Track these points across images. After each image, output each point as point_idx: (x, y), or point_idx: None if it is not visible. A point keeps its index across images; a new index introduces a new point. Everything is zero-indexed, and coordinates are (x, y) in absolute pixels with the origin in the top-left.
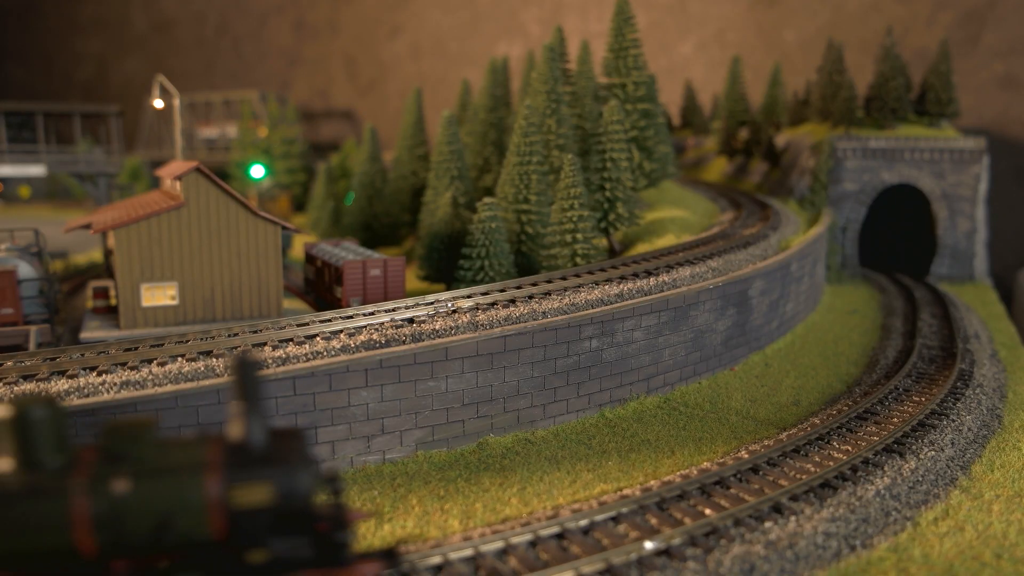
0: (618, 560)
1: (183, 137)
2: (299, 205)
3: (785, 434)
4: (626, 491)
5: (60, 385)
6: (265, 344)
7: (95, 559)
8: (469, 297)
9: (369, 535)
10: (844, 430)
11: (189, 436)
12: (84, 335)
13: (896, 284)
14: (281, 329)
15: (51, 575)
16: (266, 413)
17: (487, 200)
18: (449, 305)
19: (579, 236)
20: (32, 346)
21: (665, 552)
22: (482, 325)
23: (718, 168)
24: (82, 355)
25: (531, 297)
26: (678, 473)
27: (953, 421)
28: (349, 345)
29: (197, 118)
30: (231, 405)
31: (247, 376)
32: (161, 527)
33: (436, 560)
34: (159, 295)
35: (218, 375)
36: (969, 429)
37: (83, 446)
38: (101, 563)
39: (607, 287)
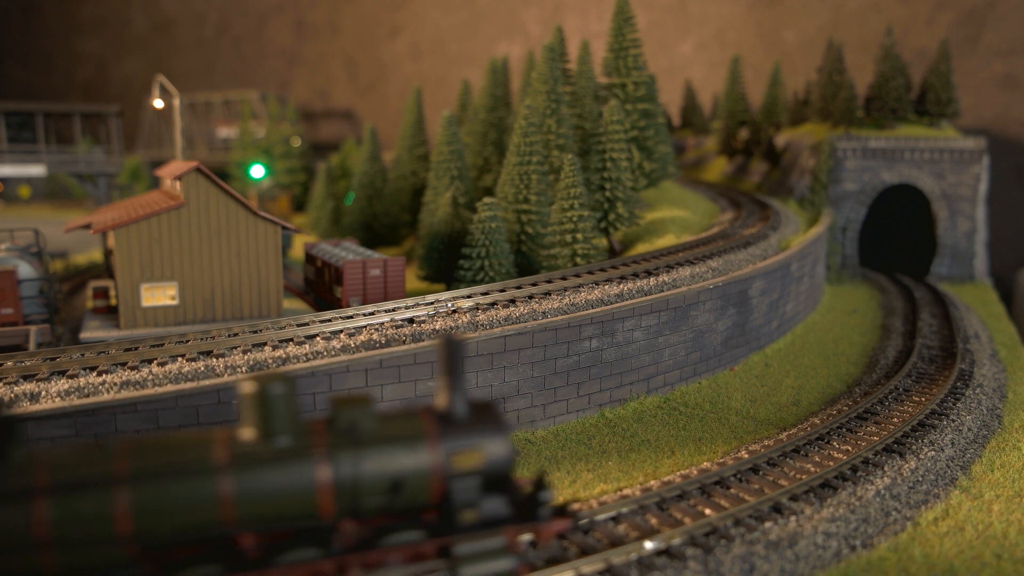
0: (618, 560)
1: (183, 137)
2: (299, 205)
3: (785, 434)
4: (626, 491)
5: (60, 385)
6: (265, 344)
7: (331, 521)
8: (469, 297)
9: None
10: (844, 430)
11: (401, 409)
12: (84, 335)
13: (896, 284)
14: (281, 329)
15: (291, 535)
16: (466, 387)
17: (487, 200)
18: (449, 305)
19: (579, 236)
20: (32, 346)
21: (665, 552)
22: (482, 325)
23: (718, 168)
24: (82, 355)
25: (531, 297)
26: (678, 473)
27: (953, 421)
28: (349, 345)
29: (217, 117)
30: (438, 379)
31: (453, 353)
32: (392, 491)
33: None
34: (159, 295)
35: (218, 375)
36: (969, 429)
37: (312, 420)
38: (334, 524)
39: (607, 287)
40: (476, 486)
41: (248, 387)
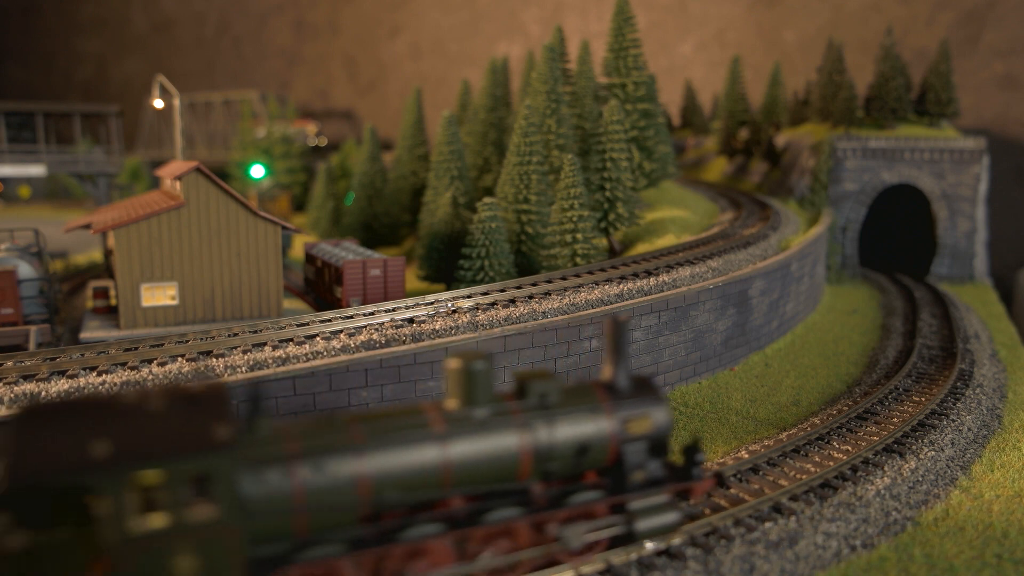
0: (618, 560)
1: (183, 137)
2: (299, 205)
3: (785, 434)
4: None
5: (60, 385)
6: (265, 344)
7: (526, 483)
8: (469, 297)
9: None
10: (844, 430)
11: (574, 382)
12: (84, 335)
13: (896, 284)
14: (281, 329)
15: (491, 496)
16: (629, 362)
17: (487, 200)
18: (449, 305)
19: (579, 236)
20: (32, 346)
21: (665, 552)
22: (482, 325)
23: (718, 168)
24: (82, 355)
25: (531, 297)
26: None
27: (953, 421)
28: (349, 345)
29: (249, 116)
30: (605, 356)
31: (618, 332)
32: (578, 455)
33: None
34: (159, 295)
35: (218, 375)
36: (969, 429)
37: (501, 393)
38: (527, 485)
39: (607, 287)
40: (643, 449)
41: (454, 363)
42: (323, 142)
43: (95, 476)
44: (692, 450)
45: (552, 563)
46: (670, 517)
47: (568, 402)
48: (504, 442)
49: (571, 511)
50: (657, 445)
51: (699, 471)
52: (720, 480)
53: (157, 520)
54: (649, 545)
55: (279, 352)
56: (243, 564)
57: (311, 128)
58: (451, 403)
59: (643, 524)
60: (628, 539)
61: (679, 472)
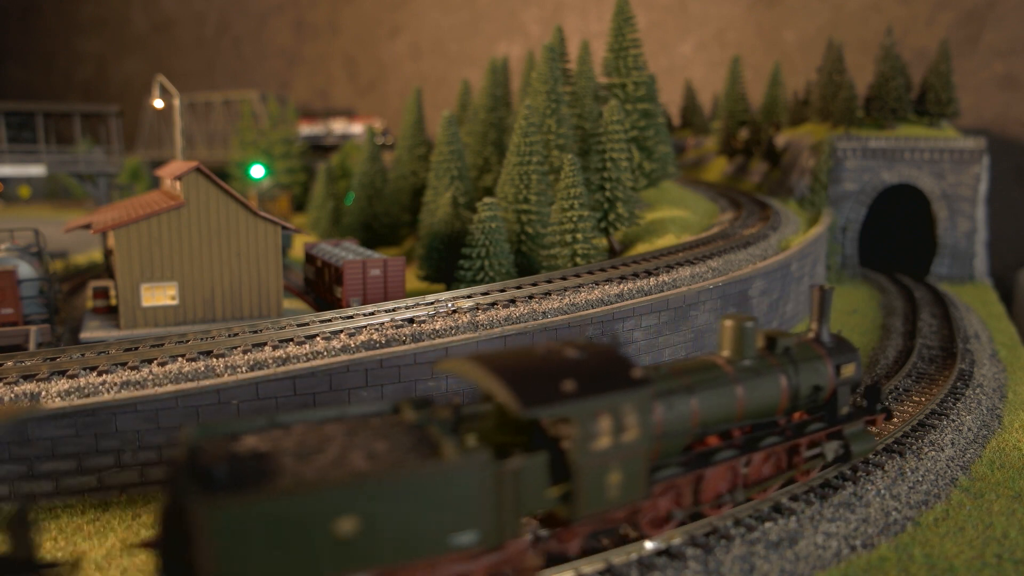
0: (618, 560)
1: (183, 137)
2: (299, 205)
3: None
4: None
5: (60, 385)
6: (265, 344)
7: (780, 416)
8: (469, 297)
9: None
10: None
11: (793, 339)
12: (84, 335)
13: (896, 284)
14: (281, 329)
15: (756, 428)
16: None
17: (487, 200)
18: (449, 305)
19: (579, 236)
20: (32, 346)
21: (665, 552)
22: (482, 325)
23: (718, 168)
24: (82, 355)
25: (531, 297)
26: None
27: (953, 421)
28: (349, 345)
29: (300, 115)
30: (813, 317)
31: (824, 299)
32: (813, 393)
33: None
34: (159, 295)
35: (218, 375)
36: (969, 429)
37: (762, 348)
38: (780, 419)
39: (607, 287)
40: (847, 389)
41: (729, 322)
42: (390, 140)
43: (573, 407)
44: (874, 391)
45: (790, 482)
46: (870, 441)
47: (802, 354)
48: (773, 384)
49: (811, 437)
50: (853, 386)
51: (880, 407)
52: (889, 415)
53: (604, 441)
54: (649, 545)
55: (279, 352)
56: (647, 479)
57: (378, 126)
58: (725, 355)
59: (855, 447)
60: (846, 457)
61: (865, 409)
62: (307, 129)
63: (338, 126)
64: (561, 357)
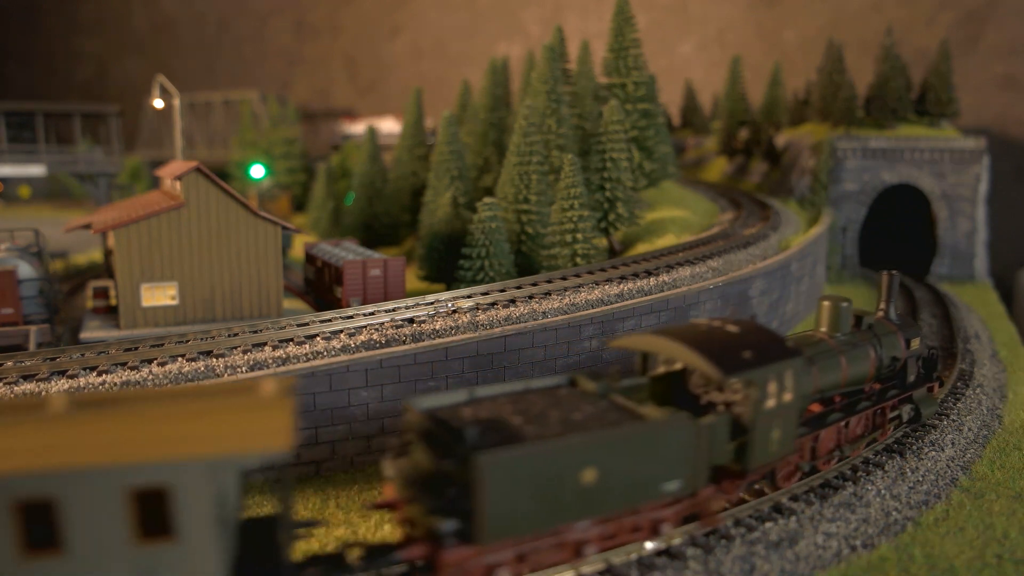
0: (618, 560)
1: (183, 137)
2: (299, 205)
3: None
4: None
5: (60, 385)
6: (265, 344)
7: (867, 385)
8: (469, 297)
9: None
10: None
11: (876, 318)
12: (84, 335)
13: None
14: (281, 329)
15: (848, 395)
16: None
17: (487, 200)
18: (449, 305)
19: (579, 236)
20: (32, 346)
21: (665, 552)
22: (482, 325)
23: (718, 168)
24: (82, 355)
25: (531, 297)
26: None
27: (953, 421)
28: (349, 345)
29: (343, 114)
30: (882, 299)
31: (892, 282)
32: (891, 362)
33: None
34: (159, 295)
35: (218, 375)
36: (969, 429)
37: (852, 325)
38: (867, 386)
39: (607, 287)
40: (915, 360)
41: (826, 303)
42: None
43: (757, 373)
44: (930, 362)
45: (873, 441)
46: (934, 404)
47: (881, 329)
48: (865, 355)
49: (891, 402)
50: (917, 358)
51: (936, 376)
52: (941, 383)
53: (771, 403)
54: (649, 545)
55: (279, 352)
56: (795, 436)
57: (429, 123)
58: (823, 330)
59: (924, 409)
60: (918, 418)
61: (924, 377)
62: (349, 128)
63: (385, 125)
64: (725, 332)
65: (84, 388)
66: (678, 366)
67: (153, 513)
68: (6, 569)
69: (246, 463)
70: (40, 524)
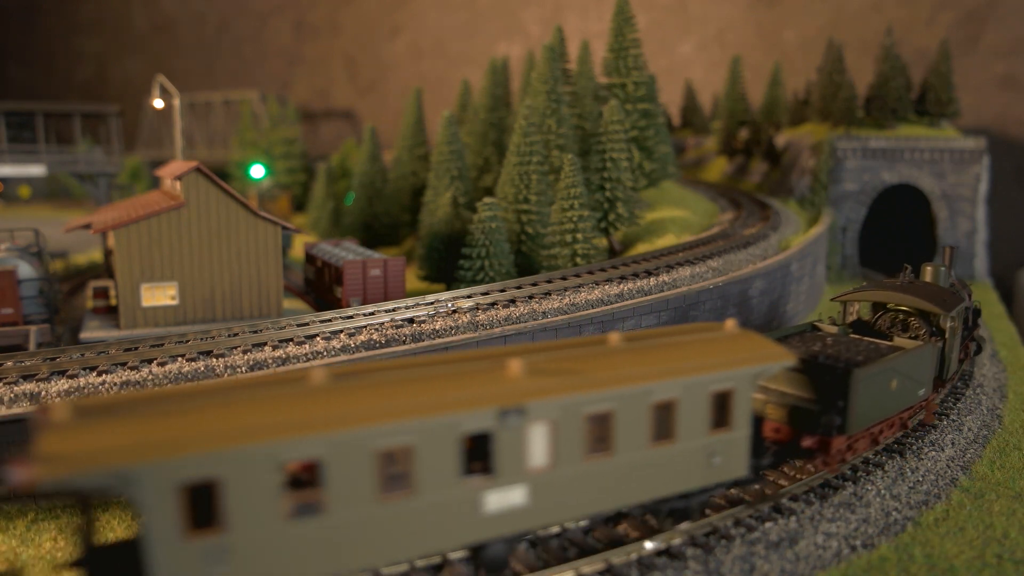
0: (618, 560)
1: (183, 137)
2: (299, 205)
3: None
4: None
5: (60, 385)
6: (265, 344)
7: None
8: (469, 297)
9: None
10: None
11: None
12: (84, 335)
13: None
14: (281, 329)
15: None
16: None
17: (487, 200)
18: (449, 305)
19: (579, 236)
20: (32, 346)
21: (665, 552)
22: (482, 325)
23: (718, 168)
24: (82, 355)
25: (531, 297)
26: None
27: (954, 421)
28: (349, 345)
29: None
30: (949, 268)
31: (954, 253)
32: (966, 328)
33: None
34: (159, 295)
35: (218, 375)
36: (969, 429)
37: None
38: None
39: (607, 287)
40: (973, 320)
41: (930, 267)
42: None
43: (955, 312)
44: (977, 312)
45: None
46: (983, 341)
47: (961, 286)
48: (970, 302)
49: (971, 335)
50: (972, 319)
51: (977, 334)
52: (980, 346)
53: (956, 331)
54: (649, 545)
55: (279, 352)
56: (958, 355)
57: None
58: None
59: (982, 345)
60: (979, 351)
61: (973, 324)
62: None
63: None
64: (923, 286)
65: (84, 388)
66: (903, 308)
67: (720, 410)
68: (365, 512)
69: (766, 373)
70: (394, 468)
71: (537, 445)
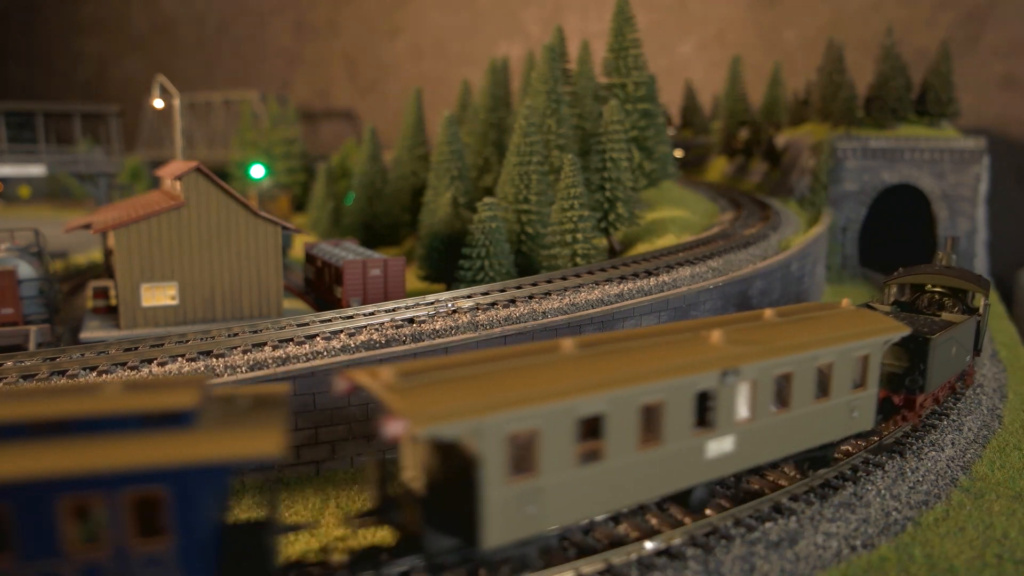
0: (618, 560)
1: (183, 137)
2: (299, 205)
3: None
4: None
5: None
6: (265, 344)
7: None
8: (469, 297)
9: None
10: None
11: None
12: (84, 335)
13: None
14: (281, 329)
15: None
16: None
17: (487, 200)
18: (449, 305)
19: (579, 236)
20: (32, 346)
21: (665, 552)
22: (482, 325)
23: (718, 168)
24: (82, 355)
25: (531, 297)
26: None
27: (954, 421)
28: (349, 345)
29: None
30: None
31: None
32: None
33: None
34: (159, 295)
35: (218, 375)
36: (969, 429)
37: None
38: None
39: (607, 287)
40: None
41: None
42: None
43: (987, 291)
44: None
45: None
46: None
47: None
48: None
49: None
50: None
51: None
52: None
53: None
54: (649, 545)
55: (279, 352)
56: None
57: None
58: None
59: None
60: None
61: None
62: None
63: None
64: (959, 270)
65: None
66: (938, 289)
67: (860, 372)
68: (630, 459)
69: (891, 341)
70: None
71: (742, 401)
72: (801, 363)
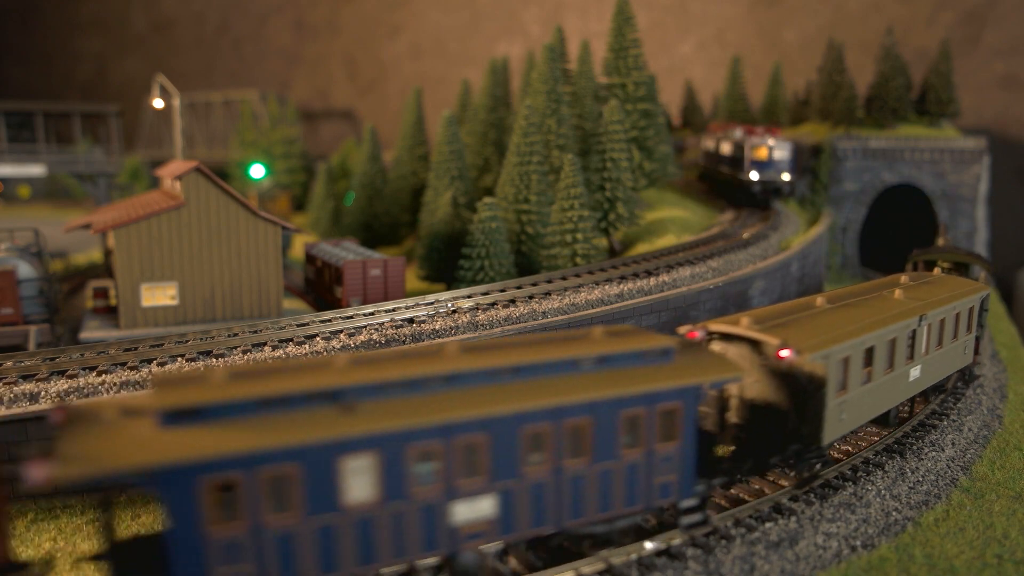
0: (618, 560)
1: (183, 137)
2: (299, 205)
3: None
4: None
5: (60, 385)
6: (265, 344)
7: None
8: (469, 297)
9: None
10: None
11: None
12: (84, 335)
13: None
14: (281, 329)
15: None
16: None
17: (487, 200)
18: (449, 305)
19: (579, 236)
20: (32, 346)
21: (665, 552)
22: (482, 325)
23: None
24: (82, 355)
25: (531, 297)
26: None
27: (954, 421)
28: (349, 345)
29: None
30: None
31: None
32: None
33: None
34: (159, 295)
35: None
36: (970, 429)
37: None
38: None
39: (607, 287)
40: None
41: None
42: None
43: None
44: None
45: None
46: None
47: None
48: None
49: None
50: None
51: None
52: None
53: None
54: (649, 545)
55: (279, 352)
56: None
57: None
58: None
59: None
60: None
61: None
62: None
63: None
64: (958, 247)
65: (84, 388)
66: (945, 265)
67: (967, 321)
68: (881, 380)
69: (979, 299)
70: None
71: (924, 340)
72: (950, 312)
